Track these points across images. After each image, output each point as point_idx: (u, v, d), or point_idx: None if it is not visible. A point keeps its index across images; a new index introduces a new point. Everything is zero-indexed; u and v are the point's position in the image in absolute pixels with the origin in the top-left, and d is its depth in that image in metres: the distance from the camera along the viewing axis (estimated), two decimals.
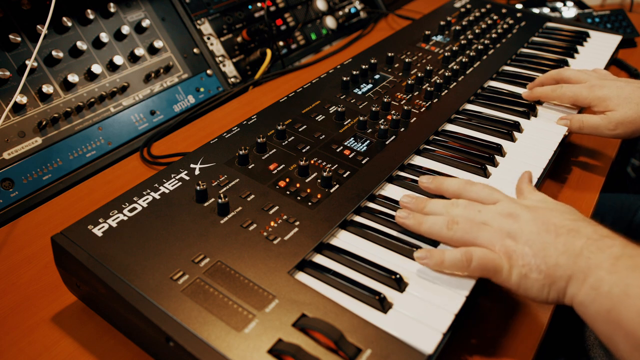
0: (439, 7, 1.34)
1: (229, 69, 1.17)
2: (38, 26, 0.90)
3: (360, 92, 0.92)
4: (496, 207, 0.60)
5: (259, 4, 1.27)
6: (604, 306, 0.50)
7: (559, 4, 1.57)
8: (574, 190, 0.85)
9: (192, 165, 0.71)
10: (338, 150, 0.76)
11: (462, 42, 1.10)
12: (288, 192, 0.67)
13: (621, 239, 0.54)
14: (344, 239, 0.64)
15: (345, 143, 0.78)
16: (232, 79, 1.17)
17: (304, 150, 0.76)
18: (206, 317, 0.51)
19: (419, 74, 0.95)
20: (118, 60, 0.98)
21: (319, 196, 0.67)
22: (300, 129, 0.80)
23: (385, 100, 0.86)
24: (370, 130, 0.81)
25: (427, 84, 0.94)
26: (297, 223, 0.63)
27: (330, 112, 0.85)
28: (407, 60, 1.00)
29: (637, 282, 0.49)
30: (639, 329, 0.47)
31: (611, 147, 0.96)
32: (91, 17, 0.97)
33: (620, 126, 0.81)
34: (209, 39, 1.16)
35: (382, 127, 0.79)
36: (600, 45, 1.18)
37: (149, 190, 0.66)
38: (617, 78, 0.88)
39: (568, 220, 0.57)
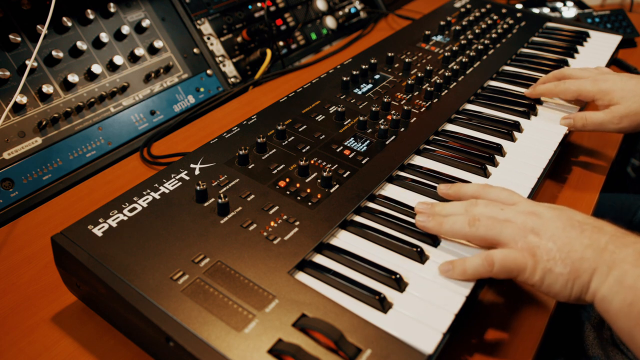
0: (439, 7, 1.34)
1: (229, 69, 1.17)
2: (38, 26, 0.90)
3: (360, 92, 0.92)
4: (517, 207, 0.60)
5: (259, 4, 1.27)
6: (627, 299, 0.50)
7: (559, 4, 1.57)
8: (574, 190, 0.85)
9: (192, 165, 0.71)
10: (338, 150, 0.76)
11: (462, 42, 1.10)
12: (288, 192, 0.67)
13: None
14: (344, 239, 0.64)
15: (345, 143, 0.78)
16: (232, 79, 1.17)
17: (304, 150, 0.76)
18: (206, 317, 0.51)
19: (419, 74, 0.95)
20: (118, 60, 0.98)
21: (319, 196, 0.67)
22: (300, 129, 0.80)
23: (385, 100, 0.86)
24: (370, 130, 0.81)
25: (427, 84, 0.94)
26: (297, 223, 0.63)
27: (330, 112, 0.85)
28: (407, 60, 1.00)
29: None
30: None
31: (611, 147, 0.96)
32: (91, 17, 0.97)
33: (625, 119, 0.81)
34: (209, 39, 1.16)
35: (382, 127, 0.79)
36: (600, 45, 1.18)
37: (149, 190, 0.66)
38: (619, 73, 0.89)
39: (591, 219, 0.57)
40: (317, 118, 0.83)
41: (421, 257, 0.60)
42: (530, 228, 0.57)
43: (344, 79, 0.92)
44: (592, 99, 0.87)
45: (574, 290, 0.54)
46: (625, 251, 0.53)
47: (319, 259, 0.61)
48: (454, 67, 1.00)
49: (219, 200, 0.63)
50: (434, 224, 0.61)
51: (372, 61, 0.99)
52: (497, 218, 0.59)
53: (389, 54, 1.01)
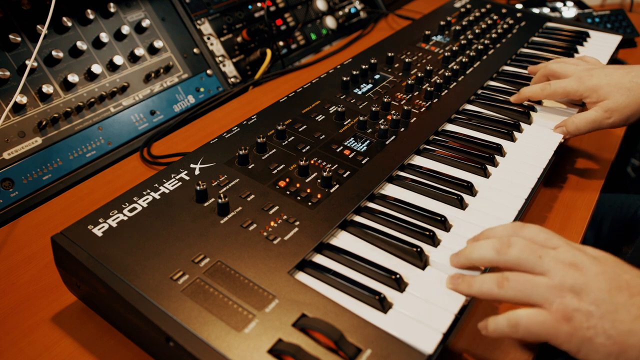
0: (439, 7, 1.34)
1: (229, 69, 1.17)
2: (38, 26, 0.90)
3: (360, 92, 0.92)
4: (557, 254, 0.52)
5: (259, 4, 1.27)
6: None
7: (559, 4, 1.57)
8: (574, 190, 0.85)
9: (192, 165, 0.71)
10: (338, 150, 0.76)
11: (462, 42, 1.10)
12: (288, 192, 0.67)
13: None
14: (344, 239, 0.64)
15: (345, 143, 0.78)
16: (232, 79, 1.17)
17: (304, 150, 0.76)
18: (206, 317, 0.51)
19: (419, 74, 0.95)
20: (118, 60, 0.98)
21: (319, 196, 0.67)
22: (300, 129, 0.80)
23: (385, 100, 0.86)
24: (370, 130, 0.81)
25: (427, 84, 0.94)
26: (297, 223, 0.63)
27: (330, 112, 0.85)
28: (407, 60, 1.00)
29: None
30: None
31: (611, 148, 0.96)
32: (91, 17, 0.97)
33: (615, 113, 0.80)
34: (209, 39, 1.16)
35: (382, 127, 0.79)
36: (600, 45, 1.18)
37: (149, 190, 0.66)
38: (605, 65, 0.87)
39: (638, 277, 0.50)
40: (317, 118, 0.83)
41: (421, 257, 0.60)
42: (570, 286, 0.49)
43: (344, 79, 0.92)
44: (580, 97, 0.85)
45: None
46: None
47: (319, 259, 0.61)
48: (454, 67, 0.99)
49: (219, 200, 0.63)
50: (464, 287, 0.55)
51: (372, 61, 0.99)
52: (533, 270, 0.52)
53: (389, 54, 1.01)
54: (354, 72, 0.94)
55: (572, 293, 0.49)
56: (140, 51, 1.01)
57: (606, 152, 0.95)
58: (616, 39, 1.21)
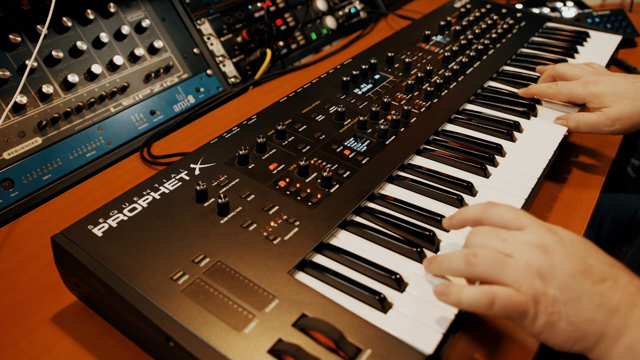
0: (439, 7, 1.34)
1: (229, 69, 1.17)
2: (38, 26, 0.90)
3: (360, 92, 0.92)
4: (524, 235, 0.52)
5: (259, 4, 1.27)
6: None
7: (559, 4, 1.57)
8: (574, 190, 0.85)
9: (192, 165, 0.71)
10: (338, 150, 0.76)
11: (462, 42, 1.10)
12: (288, 192, 0.67)
13: None
14: (344, 239, 0.64)
15: (345, 143, 0.78)
16: (232, 79, 1.17)
17: (304, 150, 0.76)
18: (206, 317, 0.51)
19: (419, 74, 0.95)
20: (118, 60, 0.98)
21: (319, 196, 0.67)
22: (300, 129, 0.80)
23: (385, 100, 0.86)
24: (370, 130, 0.81)
25: (427, 84, 0.94)
26: (297, 223, 0.63)
27: (330, 112, 0.85)
28: (407, 60, 1.00)
29: None
30: None
31: (611, 147, 0.96)
32: (91, 17, 0.97)
33: (618, 122, 0.81)
34: (209, 39, 1.16)
35: (382, 127, 0.79)
36: (600, 45, 1.18)
37: (149, 190, 0.66)
38: (611, 73, 0.88)
39: (605, 264, 0.50)
40: (317, 118, 0.83)
41: (421, 257, 0.60)
42: (536, 270, 0.49)
43: (344, 79, 0.92)
44: (583, 101, 0.86)
45: (574, 348, 0.49)
46: (638, 313, 0.47)
47: (319, 259, 0.61)
48: (454, 67, 1.00)
49: (219, 200, 0.63)
50: (434, 266, 0.56)
51: (372, 61, 0.99)
52: (498, 253, 0.51)
53: (389, 54, 1.01)
54: (354, 72, 0.94)
55: (539, 277, 0.49)
56: (140, 51, 1.01)
57: (606, 151, 0.95)
58: (616, 39, 1.21)
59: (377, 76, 0.98)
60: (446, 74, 0.97)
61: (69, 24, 0.94)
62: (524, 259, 0.50)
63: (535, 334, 0.50)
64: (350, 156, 0.75)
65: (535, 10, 1.51)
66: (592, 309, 0.48)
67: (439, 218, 0.65)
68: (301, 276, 0.58)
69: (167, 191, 0.66)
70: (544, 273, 0.49)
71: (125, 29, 1.00)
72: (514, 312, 0.49)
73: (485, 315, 0.51)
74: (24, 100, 0.85)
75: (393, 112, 0.84)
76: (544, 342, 0.51)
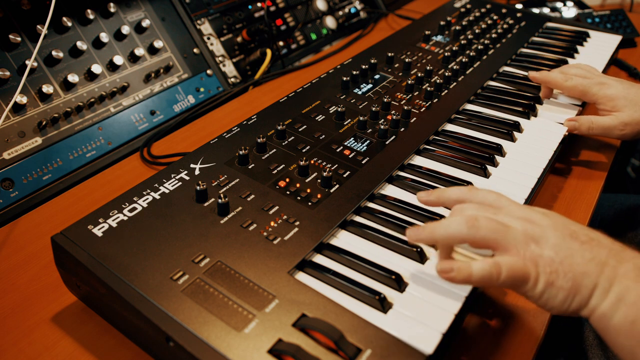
0: (439, 7, 1.34)
1: (229, 69, 1.17)
2: (38, 26, 0.90)
3: (360, 92, 0.92)
4: (509, 210, 0.56)
5: (259, 4, 1.27)
6: (629, 317, 0.48)
7: (559, 4, 1.57)
8: (574, 189, 0.85)
9: (192, 165, 0.71)
10: (338, 150, 0.76)
11: (462, 42, 1.10)
12: (288, 192, 0.67)
13: (638, 252, 0.53)
14: (344, 239, 0.64)
15: (345, 143, 0.78)
16: (232, 79, 1.17)
17: (304, 150, 0.76)
18: (206, 317, 0.51)
19: (419, 74, 0.95)
20: (118, 60, 0.98)
21: (319, 196, 0.67)
22: (300, 129, 0.80)
23: (385, 100, 0.86)
24: (370, 130, 0.81)
25: (427, 84, 0.94)
26: (297, 223, 0.63)
27: (330, 112, 0.85)
28: (407, 60, 1.00)
29: None
30: None
31: (611, 147, 0.96)
32: (91, 17, 0.97)
33: (628, 127, 0.83)
34: (209, 39, 1.16)
35: (382, 127, 0.79)
36: (600, 45, 1.18)
37: (149, 190, 0.66)
38: (620, 80, 0.89)
39: (585, 229, 0.55)
40: (317, 118, 0.83)
41: (421, 257, 0.60)
42: (531, 236, 0.53)
43: (344, 79, 0.92)
44: (594, 101, 0.87)
45: (572, 306, 0.52)
46: (626, 266, 0.50)
47: (319, 259, 0.61)
48: (454, 67, 1.00)
49: (219, 200, 0.63)
50: (426, 233, 0.56)
51: (372, 61, 0.99)
52: (497, 220, 0.54)
53: (389, 54, 1.01)
54: (354, 72, 0.94)
55: (534, 242, 0.53)
56: (140, 51, 1.01)
57: (606, 151, 0.95)
58: (616, 39, 1.21)
59: (377, 76, 0.98)
60: (446, 74, 0.97)
61: (69, 24, 0.94)
62: (520, 227, 0.54)
63: (537, 298, 0.52)
64: (350, 156, 0.75)
65: (535, 10, 1.51)
66: (585, 262, 0.51)
67: (439, 218, 0.65)
68: (301, 276, 0.58)
69: (167, 191, 0.66)
70: (538, 238, 0.53)
71: (125, 29, 1.00)
72: (518, 278, 0.52)
73: (491, 286, 0.54)
74: (24, 100, 0.85)
75: (393, 112, 0.84)
76: (543, 307, 0.53)
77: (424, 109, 0.88)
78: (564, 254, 0.52)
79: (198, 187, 0.65)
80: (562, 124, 0.87)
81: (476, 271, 0.52)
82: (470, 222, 0.53)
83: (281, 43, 1.29)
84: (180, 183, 0.68)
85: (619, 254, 0.52)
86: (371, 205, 0.69)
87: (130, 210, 0.63)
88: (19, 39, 0.87)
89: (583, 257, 0.51)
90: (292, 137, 0.78)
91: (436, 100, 0.91)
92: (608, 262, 0.51)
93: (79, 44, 0.93)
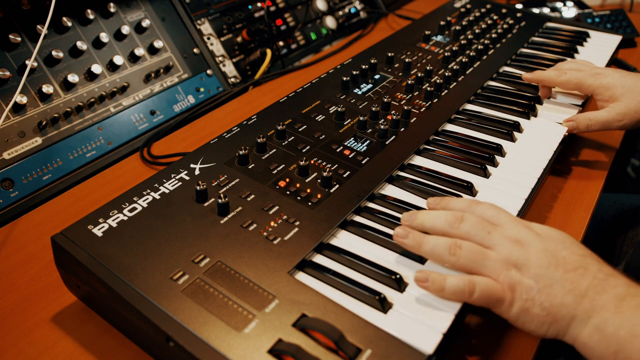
0: (439, 7, 1.34)
1: (229, 69, 1.17)
2: (38, 26, 0.90)
3: (360, 92, 0.92)
4: (504, 230, 0.56)
5: (259, 4, 1.27)
6: (610, 348, 0.49)
7: (559, 4, 1.57)
8: (574, 189, 0.85)
9: (192, 165, 0.71)
10: (338, 150, 0.76)
11: (462, 42, 1.10)
12: (288, 192, 0.67)
13: (624, 278, 0.53)
14: (344, 239, 0.64)
15: (345, 143, 0.78)
16: (232, 79, 1.17)
17: (304, 150, 0.76)
18: (206, 317, 0.51)
19: (419, 74, 0.95)
20: (118, 60, 0.98)
21: (319, 196, 0.67)
22: (300, 129, 0.80)
23: (385, 100, 0.86)
24: (370, 130, 0.81)
25: (427, 84, 0.94)
26: (297, 223, 0.63)
27: (330, 112, 0.85)
28: (407, 60, 1.00)
29: None
30: None
31: (611, 147, 0.96)
32: (91, 17, 0.97)
33: (626, 117, 0.82)
34: (209, 39, 1.16)
35: (382, 127, 0.79)
36: (600, 45, 1.18)
37: (149, 190, 0.66)
38: (616, 70, 0.89)
39: (577, 255, 0.54)
40: (317, 118, 0.83)
41: (421, 257, 0.60)
42: (514, 262, 0.54)
43: (344, 79, 0.92)
44: (591, 93, 0.87)
45: (549, 332, 0.52)
46: (605, 297, 0.51)
47: (319, 259, 0.61)
48: (454, 67, 1.00)
49: (219, 200, 0.63)
50: (412, 242, 0.57)
51: (372, 61, 0.99)
52: (482, 244, 0.56)
53: (389, 54, 1.01)
54: (354, 72, 0.94)
55: (516, 268, 0.53)
56: (140, 51, 1.01)
57: (606, 151, 0.95)
58: (616, 39, 1.21)
59: (377, 76, 0.98)
60: (446, 74, 0.97)
61: (69, 24, 0.94)
62: (504, 252, 0.54)
63: (512, 320, 0.54)
64: (350, 156, 0.75)
65: (535, 10, 1.51)
66: (563, 294, 0.51)
67: None
68: (301, 276, 0.58)
69: (167, 191, 0.66)
70: (521, 265, 0.53)
71: (125, 29, 1.00)
72: (492, 299, 0.53)
73: (463, 301, 0.54)
74: (24, 100, 0.85)
75: (393, 112, 0.84)
76: (520, 328, 0.54)
77: (424, 109, 0.88)
78: (544, 284, 0.52)
79: (198, 187, 0.65)
80: (560, 124, 0.87)
81: (449, 286, 0.53)
82: (452, 250, 0.55)
83: (281, 43, 1.29)
84: (180, 183, 0.68)
85: (601, 282, 0.52)
86: (371, 205, 0.69)
87: (130, 210, 0.63)
88: (19, 39, 0.87)
89: (562, 288, 0.52)
90: (292, 137, 0.78)
91: (436, 100, 0.91)
92: (587, 294, 0.51)
93: (79, 44, 0.93)
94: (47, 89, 0.88)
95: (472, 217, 0.58)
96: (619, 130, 0.84)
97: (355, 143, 0.78)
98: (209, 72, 1.13)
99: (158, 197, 0.65)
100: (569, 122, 0.86)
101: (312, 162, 0.73)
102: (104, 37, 0.97)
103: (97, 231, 0.60)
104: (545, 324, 0.52)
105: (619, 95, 0.83)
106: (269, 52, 1.19)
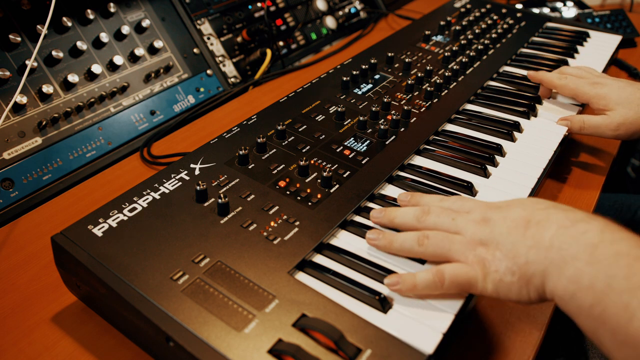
0: (439, 7, 1.34)
1: (229, 69, 1.17)
2: (38, 26, 0.90)
3: (360, 92, 0.92)
4: (469, 215, 0.57)
5: (259, 4, 1.27)
6: (586, 301, 0.46)
7: (559, 4, 1.57)
8: (574, 189, 0.85)
9: (192, 165, 0.71)
10: (338, 150, 0.76)
11: (462, 42, 1.10)
12: (288, 192, 0.67)
13: (598, 222, 0.50)
14: (344, 239, 0.64)
15: (345, 143, 0.78)
16: (232, 79, 1.17)
17: (304, 150, 0.76)
18: (206, 317, 0.51)
19: (419, 74, 0.95)
20: (118, 60, 0.98)
21: (319, 196, 0.67)
22: (300, 129, 0.80)
23: (385, 100, 0.86)
24: (370, 130, 0.81)
25: (427, 84, 0.94)
26: (297, 223, 0.63)
27: (330, 112, 0.85)
28: (407, 60, 1.00)
29: (621, 273, 0.45)
30: (626, 325, 0.43)
31: (612, 147, 0.96)
32: (91, 17, 0.97)
33: (622, 127, 0.81)
34: (209, 39, 1.16)
35: (382, 127, 0.79)
36: (600, 45, 1.18)
37: (149, 190, 0.66)
38: (616, 79, 0.88)
39: (538, 210, 0.54)
40: (317, 118, 0.83)
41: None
42: (479, 240, 0.54)
43: (344, 79, 0.92)
44: (587, 101, 0.86)
45: (532, 295, 0.51)
46: (575, 246, 0.48)
47: (319, 259, 0.61)
48: (454, 67, 1.00)
49: (219, 200, 0.63)
50: (384, 243, 0.59)
51: (372, 61, 0.99)
52: (448, 231, 0.57)
53: (389, 54, 1.01)
54: (354, 72, 0.94)
55: (482, 245, 0.54)
56: (140, 51, 1.02)
57: (606, 151, 0.95)
58: (616, 39, 1.21)
59: (377, 76, 0.98)
60: (446, 74, 0.97)
61: (69, 24, 0.94)
62: (469, 233, 0.55)
63: (494, 295, 0.53)
64: (350, 156, 0.75)
65: (535, 10, 1.51)
66: (526, 252, 0.51)
67: None
68: (301, 276, 0.58)
69: (167, 191, 0.66)
70: (487, 241, 0.54)
71: (125, 29, 1.00)
72: (463, 282, 0.53)
73: (438, 292, 0.54)
74: (24, 100, 0.85)
75: (393, 112, 0.84)
76: (506, 300, 0.54)
77: (424, 109, 0.88)
78: (507, 249, 0.52)
79: (198, 187, 0.65)
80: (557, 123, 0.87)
81: (420, 281, 0.54)
82: (420, 241, 0.57)
83: (281, 43, 1.29)
84: (180, 183, 0.68)
85: (567, 230, 0.50)
86: (371, 205, 0.69)
87: (130, 210, 0.63)
88: (19, 39, 0.87)
89: (524, 246, 0.51)
90: (292, 137, 0.78)
91: (436, 100, 0.91)
92: (553, 245, 0.50)
93: (79, 44, 0.93)
94: (47, 89, 0.88)
95: (438, 208, 0.60)
96: (614, 139, 0.84)
97: (355, 143, 0.78)
98: (209, 72, 1.13)
99: (158, 197, 0.65)
100: (564, 121, 0.86)
101: (312, 162, 0.73)
102: (104, 37, 0.97)
103: (97, 231, 0.60)
104: (523, 288, 0.51)
105: (614, 106, 0.82)
106: (269, 52, 1.19)
